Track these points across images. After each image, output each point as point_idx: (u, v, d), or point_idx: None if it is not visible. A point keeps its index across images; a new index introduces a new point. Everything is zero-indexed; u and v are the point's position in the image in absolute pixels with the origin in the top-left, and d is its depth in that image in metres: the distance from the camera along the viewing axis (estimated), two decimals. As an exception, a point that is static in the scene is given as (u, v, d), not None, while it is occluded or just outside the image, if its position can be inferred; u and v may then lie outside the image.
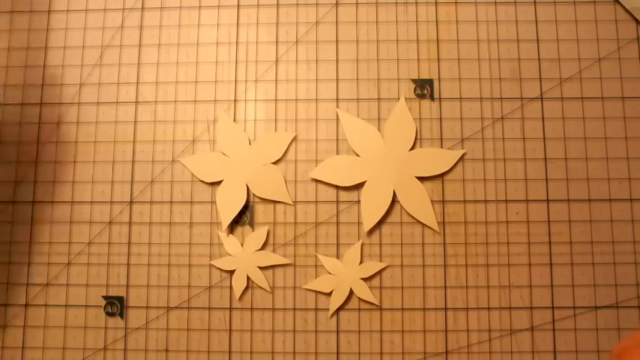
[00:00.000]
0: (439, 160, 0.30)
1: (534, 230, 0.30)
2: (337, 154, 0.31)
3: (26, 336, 0.30)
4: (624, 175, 0.30)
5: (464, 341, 0.29)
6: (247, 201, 0.30)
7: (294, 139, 0.31)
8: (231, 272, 0.30)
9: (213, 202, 0.31)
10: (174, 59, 0.32)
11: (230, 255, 0.30)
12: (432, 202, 0.30)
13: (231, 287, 0.30)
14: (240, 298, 0.30)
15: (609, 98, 0.31)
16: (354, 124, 0.31)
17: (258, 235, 0.30)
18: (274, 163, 0.31)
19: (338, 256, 0.30)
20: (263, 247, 0.30)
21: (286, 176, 0.31)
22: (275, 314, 0.30)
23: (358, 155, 0.30)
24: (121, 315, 0.30)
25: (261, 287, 0.30)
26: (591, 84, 0.31)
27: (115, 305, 0.30)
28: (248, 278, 0.30)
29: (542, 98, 0.31)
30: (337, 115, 0.31)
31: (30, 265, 0.31)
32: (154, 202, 0.31)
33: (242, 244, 0.30)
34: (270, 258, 0.30)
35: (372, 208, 0.30)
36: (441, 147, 0.31)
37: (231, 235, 0.30)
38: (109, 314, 0.30)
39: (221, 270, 0.30)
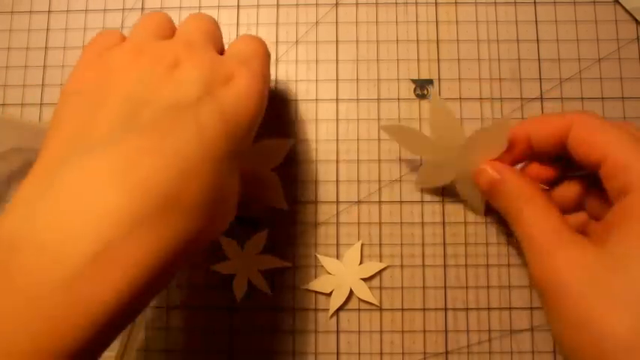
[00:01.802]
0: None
1: (534, 230, 0.30)
2: (337, 154, 0.31)
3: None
4: (624, 176, 0.30)
5: (464, 341, 0.29)
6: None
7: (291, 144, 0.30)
8: (232, 275, 0.30)
9: (213, 203, 0.31)
10: (174, 59, 0.32)
11: (229, 258, 0.30)
12: (433, 201, 0.30)
13: (231, 287, 0.30)
14: (241, 298, 0.30)
15: (609, 98, 0.31)
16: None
17: (258, 238, 0.30)
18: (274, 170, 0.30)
19: (338, 257, 0.30)
20: (263, 250, 0.30)
21: (286, 176, 0.31)
22: (275, 314, 0.30)
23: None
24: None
25: (261, 289, 0.30)
26: (591, 84, 0.31)
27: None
28: (248, 281, 0.30)
29: (542, 98, 0.31)
30: (337, 116, 0.31)
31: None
32: (153, 202, 0.31)
33: (242, 246, 0.30)
34: (270, 260, 0.30)
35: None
36: (441, 147, 0.31)
37: (230, 238, 0.30)
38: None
39: (221, 273, 0.30)
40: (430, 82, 0.32)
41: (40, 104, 0.32)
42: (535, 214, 0.23)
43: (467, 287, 0.30)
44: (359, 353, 0.29)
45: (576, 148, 0.23)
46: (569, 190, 0.26)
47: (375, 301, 0.29)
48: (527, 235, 0.23)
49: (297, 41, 0.32)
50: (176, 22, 0.32)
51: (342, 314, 0.30)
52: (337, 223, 0.30)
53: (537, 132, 0.25)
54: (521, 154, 0.26)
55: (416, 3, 0.32)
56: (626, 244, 0.20)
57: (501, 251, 0.30)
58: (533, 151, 0.25)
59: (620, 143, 0.21)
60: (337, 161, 0.31)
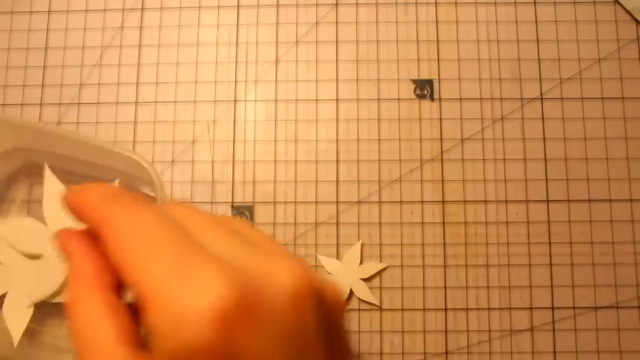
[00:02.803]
0: None
1: (534, 230, 0.30)
2: (337, 154, 0.31)
3: None
4: (624, 176, 0.30)
5: (464, 342, 0.29)
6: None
7: None
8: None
9: (213, 202, 0.31)
10: (174, 59, 0.32)
11: None
12: (433, 201, 0.30)
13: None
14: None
15: (609, 98, 0.31)
16: (54, 188, 0.28)
17: None
18: None
19: (338, 257, 0.30)
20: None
21: (286, 176, 0.31)
22: (275, 314, 0.30)
23: (45, 224, 0.28)
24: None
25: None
26: (591, 84, 0.31)
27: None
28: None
29: (542, 98, 0.31)
30: (337, 116, 0.31)
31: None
32: (154, 202, 0.31)
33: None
34: None
35: (42, 284, 0.28)
36: (441, 147, 0.31)
37: None
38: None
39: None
40: (430, 82, 0.32)
41: (40, 104, 0.32)
42: (92, 316, 0.15)
43: (467, 287, 0.30)
44: (359, 353, 0.29)
45: (111, 262, 0.15)
46: None
47: (375, 301, 0.29)
48: (78, 342, 0.15)
49: (297, 41, 0.32)
50: (176, 23, 0.33)
51: (342, 314, 0.30)
52: (337, 223, 0.30)
53: (82, 219, 0.17)
54: None
55: (416, 3, 0.32)
56: None
57: (501, 251, 0.30)
58: None
59: (146, 257, 0.14)
60: (337, 161, 0.31)
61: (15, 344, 0.27)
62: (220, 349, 0.13)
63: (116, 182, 0.29)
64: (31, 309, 0.28)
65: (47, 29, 0.33)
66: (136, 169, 0.26)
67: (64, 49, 0.33)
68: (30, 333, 0.28)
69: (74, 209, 0.17)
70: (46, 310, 0.29)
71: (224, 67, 0.32)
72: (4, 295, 0.28)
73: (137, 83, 0.32)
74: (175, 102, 0.32)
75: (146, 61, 0.32)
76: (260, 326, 0.13)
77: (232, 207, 0.31)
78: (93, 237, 0.17)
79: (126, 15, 0.33)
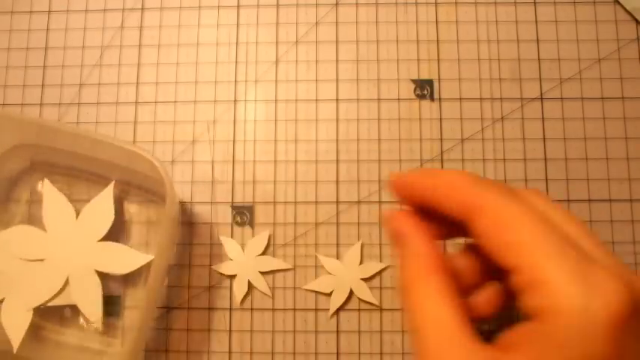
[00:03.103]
0: (123, 258, 0.28)
1: (534, 230, 0.30)
2: (337, 154, 0.31)
3: None
4: (624, 176, 0.30)
5: (464, 341, 0.29)
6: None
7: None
8: (232, 276, 0.30)
9: (213, 203, 0.31)
10: (174, 59, 0.32)
11: (231, 260, 0.30)
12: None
13: (231, 288, 0.30)
14: (241, 299, 0.30)
15: (609, 98, 0.31)
16: (55, 199, 0.29)
17: (259, 240, 0.30)
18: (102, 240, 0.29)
19: (338, 257, 0.30)
20: (264, 251, 0.30)
21: (286, 176, 0.31)
22: (275, 314, 0.30)
23: (45, 230, 0.29)
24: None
25: (261, 291, 0.30)
26: (591, 84, 0.31)
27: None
28: (249, 282, 0.30)
29: (542, 98, 0.31)
30: (337, 116, 0.31)
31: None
32: (154, 202, 0.31)
33: (242, 247, 0.30)
34: (271, 263, 0.30)
35: (40, 289, 0.28)
36: (441, 147, 0.31)
37: (232, 239, 0.30)
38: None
39: (222, 274, 0.30)
40: (430, 82, 0.32)
41: (40, 104, 0.32)
42: (431, 300, 0.17)
43: (467, 287, 0.29)
44: (359, 353, 0.29)
45: (484, 244, 0.17)
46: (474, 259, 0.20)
47: (375, 301, 0.29)
48: (417, 328, 0.17)
49: (297, 41, 0.32)
50: (176, 22, 0.33)
51: (342, 314, 0.30)
52: (337, 223, 0.30)
53: (436, 201, 0.18)
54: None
55: (416, 3, 0.32)
56: None
57: (501, 251, 0.30)
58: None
59: (539, 250, 0.16)
60: (337, 161, 0.31)
61: (15, 349, 0.27)
62: (613, 356, 0.15)
63: (111, 184, 0.29)
64: (30, 313, 0.28)
65: (47, 29, 0.33)
66: (141, 165, 0.26)
67: (64, 49, 0.33)
68: (33, 329, 0.28)
69: (418, 191, 0.18)
70: (48, 306, 0.29)
71: (224, 67, 0.32)
72: (2, 301, 0.28)
73: (137, 83, 0.32)
74: (175, 102, 0.32)
75: (146, 61, 0.32)
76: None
77: (232, 207, 0.31)
78: (419, 221, 0.18)
79: (126, 15, 0.33)
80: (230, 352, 0.29)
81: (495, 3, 0.32)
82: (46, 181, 0.29)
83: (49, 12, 0.33)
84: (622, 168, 0.30)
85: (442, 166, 0.31)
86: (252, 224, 0.30)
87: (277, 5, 0.33)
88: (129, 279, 0.30)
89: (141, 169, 0.27)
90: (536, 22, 0.32)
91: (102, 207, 0.29)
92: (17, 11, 0.33)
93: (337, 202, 0.31)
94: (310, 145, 0.31)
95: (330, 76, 0.32)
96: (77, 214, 0.29)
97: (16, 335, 0.27)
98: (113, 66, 0.32)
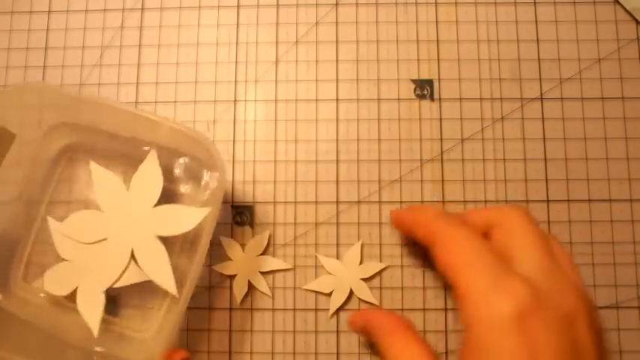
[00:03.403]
0: (182, 218, 0.28)
1: (534, 230, 0.30)
2: (337, 154, 0.31)
3: None
4: (624, 176, 0.30)
5: (464, 341, 0.29)
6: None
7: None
8: (232, 276, 0.30)
9: (213, 203, 0.31)
10: (174, 59, 0.32)
11: (231, 260, 0.30)
12: (433, 201, 0.30)
13: (231, 287, 0.30)
14: (241, 299, 0.30)
15: (609, 98, 0.31)
16: (103, 176, 0.29)
17: (259, 240, 0.30)
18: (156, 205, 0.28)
19: (338, 257, 0.30)
20: (264, 251, 0.30)
21: (286, 176, 0.31)
22: (275, 314, 0.30)
23: (100, 209, 0.29)
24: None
25: (261, 291, 0.30)
26: (591, 84, 0.31)
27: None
28: (249, 282, 0.30)
29: (542, 98, 0.31)
30: (337, 116, 0.31)
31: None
32: (154, 202, 0.31)
33: (243, 247, 0.30)
34: (271, 263, 0.30)
35: (109, 268, 0.28)
36: (441, 147, 0.31)
37: (232, 239, 0.30)
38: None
39: (221, 273, 0.30)
40: (430, 82, 0.32)
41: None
42: (399, 349, 0.22)
43: (467, 287, 0.29)
44: (359, 353, 0.29)
45: (438, 266, 0.22)
46: None
47: (375, 301, 0.29)
48: None
49: (297, 41, 0.32)
50: (176, 22, 0.33)
51: (342, 314, 0.30)
52: (337, 223, 0.30)
53: (409, 233, 0.25)
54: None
55: (416, 3, 0.32)
56: None
57: (501, 251, 0.30)
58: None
59: (470, 268, 0.20)
60: (337, 161, 0.31)
61: (95, 335, 0.27)
62: (521, 346, 0.18)
63: (153, 150, 0.29)
64: (103, 296, 0.28)
65: (47, 29, 0.33)
66: (183, 143, 0.26)
67: (64, 49, 0.33)
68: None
69: (405, 225, 0.25)
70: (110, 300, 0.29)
71: (224, 67, 0.32)
72: (76, 290, 0.28)
73: (137, 83, 0.32)
74: (175, 102, 0.32)
75: (146, 61, 0.32)
76: (546, 323, 0.18)
77: (232, 207, 0.31)
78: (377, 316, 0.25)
79: (126, 15, 0.33)
80: (230, 352, 0.29)
81: (495, 3, 0.32)
82: (91, 161, 0.29)
83: (49, 12, 0.33)
84: (622, 168, 0.30)
85: (442, 166, 0.31)
86: (252, 224, 0.30)
87: (277, 5, 0.33)
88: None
89: (183, 149, 0.27)
90: (536, 22, 0.32)
91: (150, 173, 0.29)
92: (17, 11, 0.33)
93: (337, 202, 0.31)
94: (310, 145, 0.31)
95: (330, 76, 0.32)
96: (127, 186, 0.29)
97: (94, 321, 0.28)
98: (113, 66, 0.32)
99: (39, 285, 0.29)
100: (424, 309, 0.29)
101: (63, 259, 0.29)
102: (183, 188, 0.30)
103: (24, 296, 0.29)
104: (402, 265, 0.30)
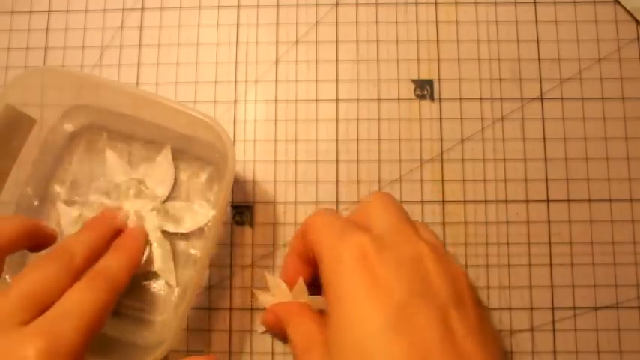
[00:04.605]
0: (189, 216, 0.29)
1: (534, 231, 0.30)
2: (337, 154, 0.31)
3: None
4: (624, 176, 0.30)
5: (464, 341, 0.29)
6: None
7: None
8: (233, 277, 0.30)
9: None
10: (174, 59, 0.32)
11: (231, 260, 0.30)
12: (433, 201, 0.30)
13: (231, 287, 0.30)
14: (241, 298, 0.30)
15: (609, 98, 0.31)
16: (117, 165, 0.30)
17: (259, 240, 0.30)
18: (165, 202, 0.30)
19: (338, 257, 0.30)
20: (265, 252, 0.30)
21: (286, 176, 0.31)
22: (275, 314, 0.30)
23: (110, 198, 0.30)
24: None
25: (261, 290, 0.30)
26: (591, 84, 0.31)
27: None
28: (250, 283, 0.30)
29: (542, 98, 0.31)
30: (337, 116, 0.31)
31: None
32: (154, 202, 0.31)
33: (243, 248, 0.30)
34: (271, 263, 0.30)
35: None
36: (441, 147, 0.31)
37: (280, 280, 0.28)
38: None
39: (221, 273, 0.30)
40: (430, 82, 0.32)
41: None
42: (296, 327, 0.24)
43: (467, 287, 0.29)
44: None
45: (311, 251, 0.24)
46: None
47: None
48: (291, 345, 0.24)
49: (297, 41, 0.32)
50: (176, 22, 0.33)
51: (342, 314, 0.30)
52: (337, 223, 0.30)
53: (296, 246, 0.26)
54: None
55: (416, 3, 0.32)
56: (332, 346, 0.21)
57: (501, 251, 0.30)
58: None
59: (324, 236, 0.22)
60: (337, 161, 0.31)
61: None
62: (364, 279, 0.20)
63: (168, 146, 0.30)
64: None
65: (47, 29, 0.33)
66: (203, 132, 0.26)
67: (64, 49, 0.33)
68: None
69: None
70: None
71: (224, 67, 0.32)
72: None
73: (137, 83, 0.32)
74: (175, 102, 0.32)
75: (146, 61, 0.32)
76: (388, 262, 0.20)
77: (232, 207, 0.31)
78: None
79: (126, 15, 0.33)
80: (230, 352, 0.29)
81: (495, 3, 0.32)
82: (108, 150, 0.30)
83: (49, 12, 0.33)
84: (622, 168, 0.30)
85: (442, 166, 0.31)
86: (252, 224, 0.30)
87: (277, 5, 0.33)
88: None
89: (199, 135, 0.28)
90: (536, 22, 0.32)
91: (162, 169, 0.30)
92: (17, 11, 0.33)
93: (337, 202, 0.31)
94: (310, 145, 0.31)
95: (330, 76, 0.32)
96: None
97: None
98: (113, 66, 0.32)
99: None
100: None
101: None
102: (186, 175, 0.30)
103: None
104: (402, 265, 0.30)
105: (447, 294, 0.20)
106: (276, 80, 0.32)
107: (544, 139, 0.31)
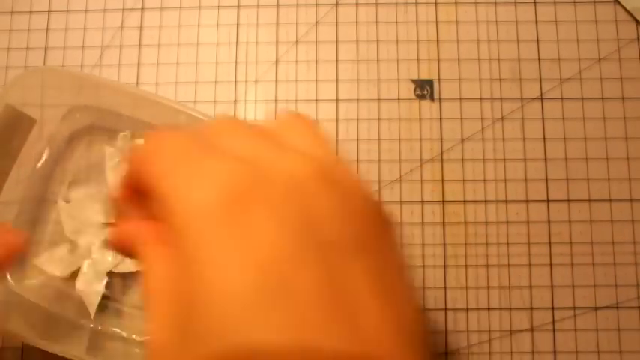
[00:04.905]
0: None
1: (534, 231, 0.30)
2: (337, 154, 0.31)
3: None
4: (624, 176, 0.30)
5: (464, 342, 0.29)
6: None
7: None
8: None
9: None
10: (174, 59, 0.32)
11: None
12: (433, 201, 0.30)
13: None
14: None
15: (609, 98, 0.31)
16: (116, 163, 0.30)
17: None
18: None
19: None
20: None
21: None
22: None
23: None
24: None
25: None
26: (591, 84, 0.31)
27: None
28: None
29: (542, 98, 0.31)
30: (337, 116, 0.31)
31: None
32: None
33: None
34: None
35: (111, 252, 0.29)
36: (441, 147, 0.31)
37: None
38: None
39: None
40: (430, 82, 0.32)
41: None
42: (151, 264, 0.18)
43: (467, 287, 0.30)
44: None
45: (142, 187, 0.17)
46: None
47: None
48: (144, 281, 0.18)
49: (297, 41, 0.32)
50: (176, 22, 0.33)
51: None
52: (337, 223, 0.30)
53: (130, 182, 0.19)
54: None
55: (416, 3, 0.32)
56: None
57: (501, 251, 0.30)
58: None
59: (166, 164, 0.16)
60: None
61: (92, 316, 0.28)
62: (228, 230, 0.14)
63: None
64: (105, 279, 0.28)
65: (47, 29, 0.33)
66: None
67: (64, 49, 0.33)
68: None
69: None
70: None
71: (224, 67, 0.32)
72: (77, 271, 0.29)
73: (137, 83, 0.32)
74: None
75: (146, 61, 0.32)
76: (263, 206, 0.14)
77: (232, 207, 0.31)
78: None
79: (126, 15, 0.33)
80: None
81: (495, 3, 0.32)
82: (107, 146, 0.30)
83: (49, 12, 0.33)
84: (622, 168, 0.30)
85: (442, 166, 0.31)
86: (252, 224, 0.30)
87: (277, 5, 0.33)
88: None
89: None
90: (536, 22, 0.32)
91: None
92: (17, 11, 0.33)
93: (337, 202, 0.30)
94: (310, 145, 0.31)
95: (330, 76, 0.32)
96: None
97: (92, 303, 0.28)
98: (113, 66, 0.32)
99: (44, 265, 0.29)
100: (424, 309, 0.29)
101: (70, 240, 0.29)
102: None
103: (33, 277, 0.30)
104: (402, 265, 0.30)
105: (340, 236, 0.15)
106: (276, 80, 0.32)
107: (544, 139, 0.31)
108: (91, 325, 0.28)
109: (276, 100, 0.32)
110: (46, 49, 0.33)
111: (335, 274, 0.14)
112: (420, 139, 0.31)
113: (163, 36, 0.32)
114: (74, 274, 0.29)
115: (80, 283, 0.28)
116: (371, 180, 0.31)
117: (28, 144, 0.29)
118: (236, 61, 0.32)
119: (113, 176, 0.30)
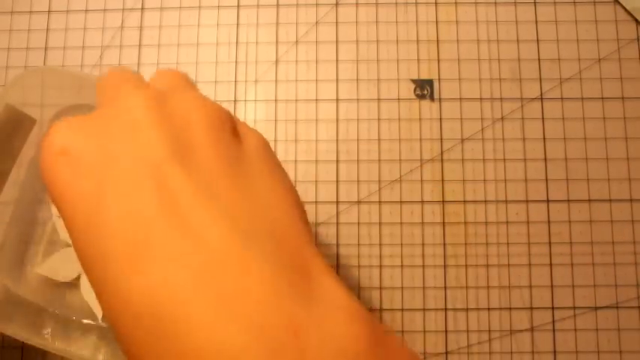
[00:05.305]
0: None
1: (534, 231, 0.30)
2: (337, 154, 0.31)
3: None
4: (624, 176, 0.30)
5: (464, 342, 0.29)
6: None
7: None
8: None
9: (213, 203, 0.31)
10: (175, 59, 0.32)
11: None
12: (433, 201, 0.30)
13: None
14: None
15: (609, 98, 0.31)
16: None
17: None
18: None
19: (338, 257, 0.30)
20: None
21: (286, 176, 0.31)
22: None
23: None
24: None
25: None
26: (591, 84, 0.31)
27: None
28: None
29: (542, 98, 0.31)
30: (337, 116, 0.31)
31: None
32: (153, 202, 0.31)
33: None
34: None
35: None
36: (441, 147, 0.31)
37: None
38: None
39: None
40: (430, 82, 0.32)
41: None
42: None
43: (467, 287, 0.30)
44: (359, 353, 0.29)
45: None
46: None
47: (375, 301, 0.29)
48: None
49: (297, 41, 0.32)
50: (176, 22, 0.33)
51: (342, 314, 0.30)
52: (337, 223, 0.30)
53: None
54: None
55: (416, 3, 0.32)
56: None
57: (501, 251, 0.30)
58: None
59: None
60: (337, 161, 0.31)
61: (99, 319, 0.28)
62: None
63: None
64: None
65: (47, 29, 0.33)
66: None
67: (64, 49, 0.33)
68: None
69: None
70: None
71: (224, 67, 0.32)
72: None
73: (137, 83, 0.32)
74: (175, 102, 0.32)
75: (146, 61, 0.32)
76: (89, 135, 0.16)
77: (232, 207, 0.31)
78: None
79: (126, 15, 0.33)
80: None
81: (495, 3, 0.32)
82: None
83: (49, 12, 0.33)
84: (622, 168, 0.30)
85: (442, 166, 0.31)
86: (252, 224, 0.30)
87: (277, 5, 0.33)
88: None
89: None
90: (536, 22, 0.32)
91: None
92: (17, 11, 0.33)
93: (337, 202, 0.31)
94: (310, 145, 0.31)
95: (330, 76, 0.32)
96: None
97: (97, 306, 0.28)
98: (113, 66, 0.32)
99: (45, 270, 0.29)
100: (424, 309, 0.29)
101: (67, 244, 0.29)
102: None
103: (34, 280, 0.30)
104: (401, 265, 0.30)
105: (163, 146, 0.15)
106: (276, 80, 0.32)
107: (544, 139, 0.31)
108: (94, 324, 0.28)
109: (276, 100, 0.32)
110: (46, 49, 0.33)
111: (160, 180, 0.14)
112: (420, 139, 0.31)
113: (163, 36, 0.32)
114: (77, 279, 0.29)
115: (84, 287, 0.28)
116: (371, 180, 0.31)
117: (28, 144, 0.29)
118: (236, 61, 0.32)
119: None
